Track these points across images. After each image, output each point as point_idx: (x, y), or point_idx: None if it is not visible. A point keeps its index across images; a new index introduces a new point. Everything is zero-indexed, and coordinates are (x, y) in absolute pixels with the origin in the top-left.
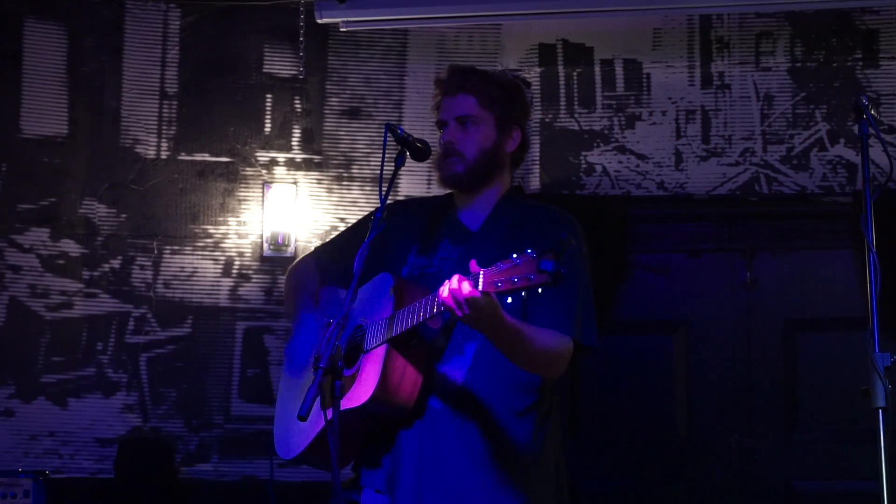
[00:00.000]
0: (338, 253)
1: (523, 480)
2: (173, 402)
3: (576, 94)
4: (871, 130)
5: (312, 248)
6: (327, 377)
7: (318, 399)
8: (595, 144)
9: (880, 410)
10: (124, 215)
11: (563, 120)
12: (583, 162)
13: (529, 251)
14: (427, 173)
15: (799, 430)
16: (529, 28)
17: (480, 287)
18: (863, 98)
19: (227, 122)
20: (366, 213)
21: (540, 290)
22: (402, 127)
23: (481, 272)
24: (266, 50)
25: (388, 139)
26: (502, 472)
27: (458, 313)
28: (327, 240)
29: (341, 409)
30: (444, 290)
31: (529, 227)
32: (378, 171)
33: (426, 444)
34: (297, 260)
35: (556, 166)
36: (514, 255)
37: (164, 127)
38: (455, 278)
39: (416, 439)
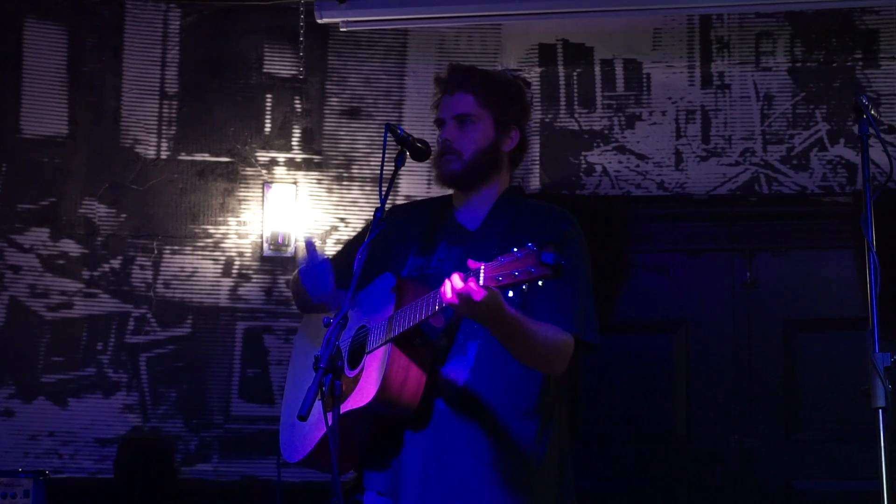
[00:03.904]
0: (341, 259)
1: (528, 481)
2: (173, 402)
3: (576, 94)
4: (871, 130)
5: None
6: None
7: (319, 401)
8: (595, 144)
9: (880, 410)
10: (124, 215)
11: (563, 120)
12: (583, 162)
13: (530, 244)
14: (427, 173)
15: (799, 430)
16: (529, 28)
17: (482, 282)
18: (863, 98)
19: (227, 122)
20: (367, 220)
21: (541, 283)
22: (402, 127)
23: (482, 266)
24: (266, 50)
25: (388, 139)
26: (507, 472)
27: (460, 309)
28: (328, 250)
29: (346, 410)
30: (447, 288)
31: (529, 225)
32: (378, 171)
33: (430, 445)
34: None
35: (556, 166)
36: (515, 249)
37: (164, 127)
38: (456, 276)
39: (420, 441)
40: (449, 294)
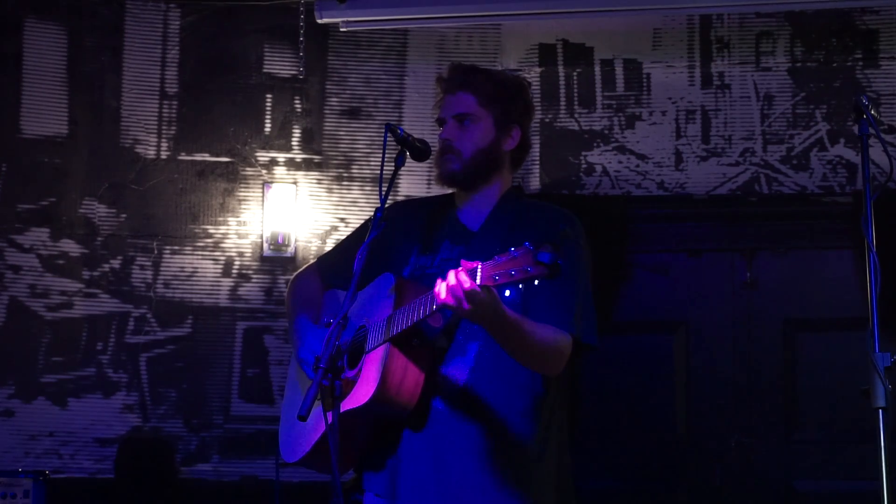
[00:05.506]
0: (340, 258)
1: (527, 481)
2: (173, 402)
3: (576, 94)
4: (871, 130)
5: (313, 258)
6: (329, 377)
7: (319, 401)
8: (595, 144)
9: (880, 410)
10: (124, 215)
11: (563, 120)
12: (583, 162)
13: (527, 243)
14: (427, 173)
15: (799, 430)
16: (529, 28)
17: (478, 281)
18: (863, 98)
19: (227, 122)
20: (366, 218)
21: (537, 282)
22: (402, 127)
23: (479, 266)
24: (266, 50)
25: (388, 139)
26: (506, 472)
27: (456, 308)
28: (327, 249)
29: (344, 409)
30: (442, 287)
31: (530, 225)
32: (378, 171)
33: (429, 445)
34: (299, 271)
35: (556, 166)
36: (512, 249)
37: (164, 127)
38: (451, 274)
39: (419, 441)
40: (443, 294)
